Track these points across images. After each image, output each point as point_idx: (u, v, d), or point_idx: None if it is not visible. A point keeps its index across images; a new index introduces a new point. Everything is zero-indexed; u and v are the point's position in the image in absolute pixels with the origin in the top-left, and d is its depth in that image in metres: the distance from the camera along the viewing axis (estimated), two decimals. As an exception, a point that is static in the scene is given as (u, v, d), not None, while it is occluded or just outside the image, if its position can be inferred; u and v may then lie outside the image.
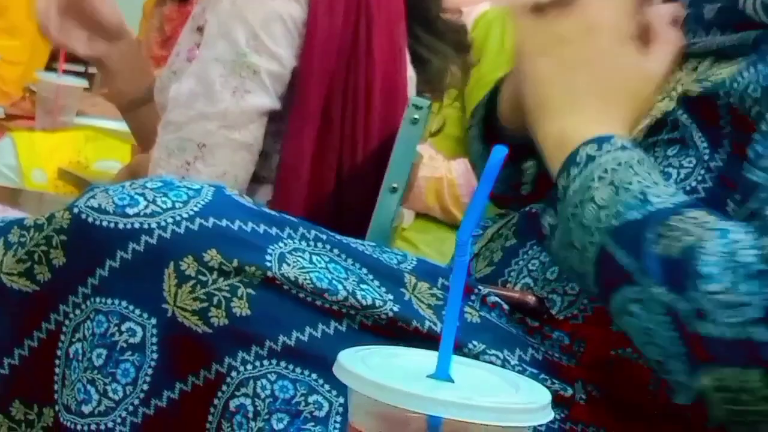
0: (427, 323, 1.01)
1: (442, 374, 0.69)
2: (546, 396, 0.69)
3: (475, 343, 1.03)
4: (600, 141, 1.07)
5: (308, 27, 1.56)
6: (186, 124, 1.56)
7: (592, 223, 1.03)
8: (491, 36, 2.54)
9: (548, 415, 0.68)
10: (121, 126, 2.72)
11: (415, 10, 1.70)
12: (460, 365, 0.71)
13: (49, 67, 3.45)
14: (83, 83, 2.79)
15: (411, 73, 1.70)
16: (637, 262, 0.98)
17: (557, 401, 1.05)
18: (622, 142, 1.07)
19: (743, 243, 0.96)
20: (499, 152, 0.67)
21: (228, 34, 1.55)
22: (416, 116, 1.49)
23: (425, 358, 0.71)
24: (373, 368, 0.68)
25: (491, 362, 1.02)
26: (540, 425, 0.94)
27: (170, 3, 3.24)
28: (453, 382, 0.69)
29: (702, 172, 1.12)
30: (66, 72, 2.83)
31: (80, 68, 3.72)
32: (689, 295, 0.95)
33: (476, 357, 1.02)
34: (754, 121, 1.08)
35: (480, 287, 1.11)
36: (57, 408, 0.98)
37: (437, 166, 2.44)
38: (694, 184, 1.12)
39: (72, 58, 3.32)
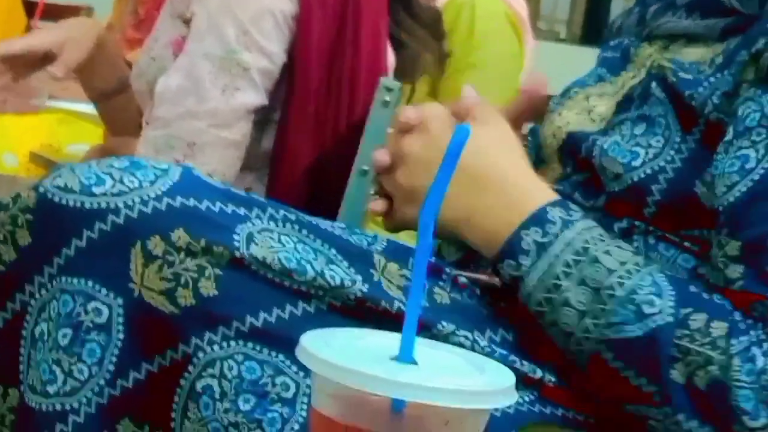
0: (397, 304, 1.01)
1: (405, 357, 0.69)
2: (510, 378, 0.68)
3: (444, 324, 1.03)
4: (541, 223, 1.07)
5: (302, 21, 1.55)
6: (174, 121, 1.54)
7: (578, 332, 1.04)
8: (460, 21, 2.53)
9: (512, 397, 0.67)
10: (94, 109, 2.70)
11: None
12: (424, 347, 0.70)
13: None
14: (55, 66, 2.76)
15: (392, 59, 1.70)
16: (657, 387, 1.00)
17: (527, 383, 1.05)
18: (560, 215, 1.08)
19: None
20: (462, 132, 0.67)
21: (217, 29, 1.53)
22: (387, 98, 1.48)
23: (389, 341, 0.70)
24: (335, 350, 0.68)
25: (460, 343, 1.02)
26: (508, 407, 0.94)
27: (144, -14, 3.22)
28: (416, 364, 0.69)
29: (672, 153, 1.12)
30: (38, 55, 2.81)
31: (53, 51, 3.69)
32: (732, 431, 0.98)
33: (445, 338, 1.01)
34: (717, 123, 1.09)
35: (448, 269, 1.11)
36: (22, 389, 0.98)
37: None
38: (662, 164, 1.12)
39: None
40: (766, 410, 0.97)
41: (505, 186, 1.11)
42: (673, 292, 1.02)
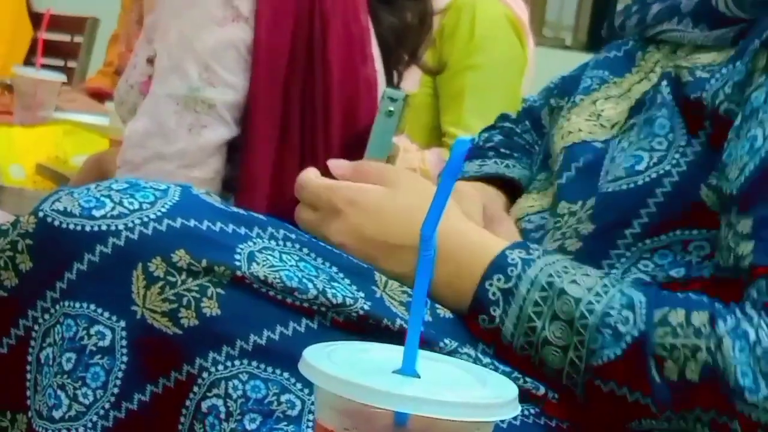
0: (399, 321, 1.00)
1: (408, 370, 0.69)
2: (513, 390, 0.69)
3: (446, 341, 1.02)
4: (502, 269, 1.06)
5: (254, 47, 1.53)
6: (142, 164, 1.53)
7: (566, 367, 1.03)
8: (461, 23, 2.54)
9: (515, 410, 0.67)
10: (99, 120, 2.71)
11: None
12: (426, 360, 0.70)
13: (28, 62, 3.44)
14: (61, 78, 2.77)
15: (378, 65, 1.68)
16: (651, 397, 1.00)
17: (530, 398, 1.04)
18: (519, 256, 1.06)
19: (763, 341, 0.97)
20: (462, 145, 0.67)
21: (179, 67, 1.51)
22: (391, 108, 1.48)
23: (392, 354, 0.71)
24: (338, 364, 0.68)
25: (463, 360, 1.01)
26: (513, 419, 0.93)
27: (148, -5, 3.23)
28: (419, 377, 0.69)
29: (676, 156, 1.12)
30: (44, 66, 2.82)
31: (59, 62, 3.71)
32: (737, 411, 0.97)
33: (448, 355, 1.01)
34: (726, 117, 1.09)
35: None
36: (30, 414, 0.98)
37: (411, 158, 2.44)
38: (668, 167, 1.11)
39: (50, 53, 3.30)
40: (766, 382, 0.96)
41: (463, 242, 1.09)
42: (645, 298, 1.02)
